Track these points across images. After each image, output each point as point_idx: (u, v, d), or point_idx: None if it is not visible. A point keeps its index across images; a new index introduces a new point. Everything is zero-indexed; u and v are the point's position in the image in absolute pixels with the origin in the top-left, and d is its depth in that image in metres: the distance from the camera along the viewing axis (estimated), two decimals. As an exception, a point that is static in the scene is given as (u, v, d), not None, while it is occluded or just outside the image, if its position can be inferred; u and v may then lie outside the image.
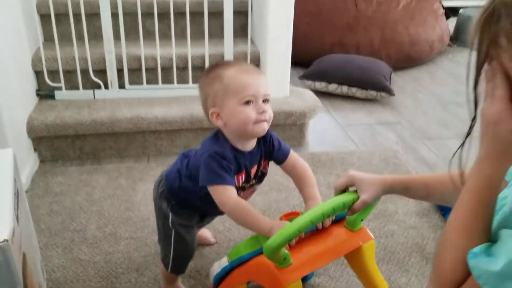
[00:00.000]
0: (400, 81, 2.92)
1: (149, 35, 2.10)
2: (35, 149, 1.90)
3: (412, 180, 0.99)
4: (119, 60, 2.02)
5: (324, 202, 0.96)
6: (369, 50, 2.97)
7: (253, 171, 1.10)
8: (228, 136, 1.06)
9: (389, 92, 2.57)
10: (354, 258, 1.08)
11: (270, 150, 1.12)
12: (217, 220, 1.44)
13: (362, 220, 1.05)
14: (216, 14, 2.13)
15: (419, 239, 1.50)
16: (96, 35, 2.07)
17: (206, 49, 2.06)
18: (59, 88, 2.02)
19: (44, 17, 2.07)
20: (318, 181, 1.76)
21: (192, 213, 1.18)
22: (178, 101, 2.03)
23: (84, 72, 2.02)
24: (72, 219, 1.55)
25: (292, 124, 2.06)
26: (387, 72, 2.67)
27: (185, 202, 1.15)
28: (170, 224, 1.15)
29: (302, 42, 2.78)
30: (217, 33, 2.17)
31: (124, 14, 1.97)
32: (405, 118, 2.43)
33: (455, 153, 0.67)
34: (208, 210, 1.18)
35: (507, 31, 0.55)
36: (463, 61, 2.83)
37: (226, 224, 1.52)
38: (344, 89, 2.61)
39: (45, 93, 2.02)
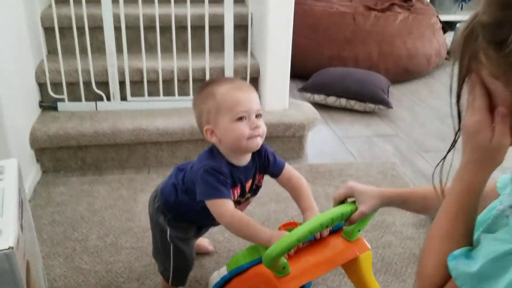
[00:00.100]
0: (398, 94, 2.96)
1: (151, 48, 2.13)
2: (37, 160, 1.92)
3: (410, 194, 1.01)
4: (121, 73, 2.05)
5: (323, 213, 0.98)
6: (367, 63, 3.01)
7: (248, 185, 1.12)
8: (223, 151, 1.08)
9: (387, 105, 2.60)
10: (352, 268, 1.10)
11: (266, 164, 1.14)
12: (217, 230, 1.47)
13: (359, 230, 1.06)
14: (217, 28, 2.17)
15: (416, 250, 1.51)
16: (99, 48, 2.11)
17: (207, 62, 2.10)
18: (62, 100, 2.05)
19: (48, 30, 2.11)
20: (316, 192, 1.79)
21: (189, 226, 1.19)
22: (179, 113, 2.06)
23: (87, 84, 2.05)
24: (73, 229, 1.57)
25: (291, 136, 2.09)
26: (385, 85, 2.71)
27: (182, 216, 1.16)
28: (168, 238, 1.16)
29: (301, 55, 2.83)
30: (217, 47, 2.20)
31: (127, 27, 2.01)
32: (402, 130, 2.46)
33: (437, 166, 0.69)
34: (205, 222, 1.20)
35: (484, 49, 0.58)
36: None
37: (226, 234, 1.53)
38: (343, 101, 2.64)
39: (48, 105, 2.05)
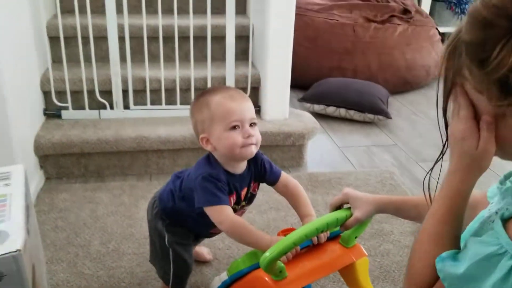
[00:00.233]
0: (397, 104, 2.99)
1: (153, 57, 2.17)
2: (41, 167, 1.95)
3: (404, 201, 1.04)
4: (124, 82, 2.09)
5: (318, 218, 1.01)
6: (366, 74, 3.04)
7: (243, 193, 1.14)
8: (219, 159, 1.10)
9: (386, 115, 2.63)
10: (348, 273, 1.12)
11: (262, 172, 1.16)
12: (217, 237, 1.48)
13: (356, 237, 1.09)
14: (219, 39, 2.20)
15: (413, 258, 1.53)
16: (103, 58, 2.14)
17: (209, 72, 2.13)
18: (66, 108, 2.08)
19: (53, 40, 2.14)
20: (316, 200, 1.82)
21: (186, 232, 1.21)
22: (180, 121, 2.09)
23: (91, 92, 2.08)
24: (76, 234, 1.60)
25: (291, 145, 2.12)
26: (384, 96, 2.74)
27: (179, 222, 1.18)
28: (166, 243, 1.18)
29: (301, 66, 2.86)
30: (219, 57, 2.24)
31: (131, 37, 2.05)
32: (401, 140, 2.49)
33: (427, 174, 0.72)
34: (202, 230, 1.22)
35: (468, 65, 0.61)
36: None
37: (226, 241, 1.56)
38: (342, 111, 2.67)
39: (52, 113, 2.09)
